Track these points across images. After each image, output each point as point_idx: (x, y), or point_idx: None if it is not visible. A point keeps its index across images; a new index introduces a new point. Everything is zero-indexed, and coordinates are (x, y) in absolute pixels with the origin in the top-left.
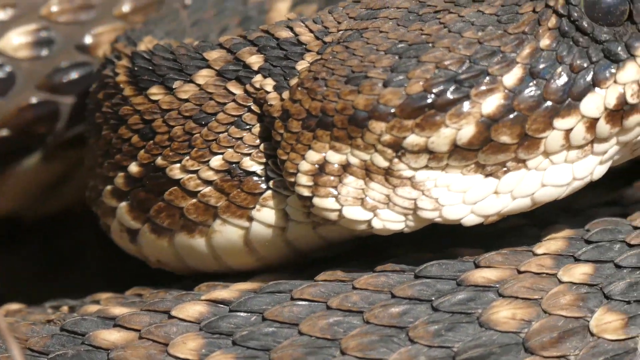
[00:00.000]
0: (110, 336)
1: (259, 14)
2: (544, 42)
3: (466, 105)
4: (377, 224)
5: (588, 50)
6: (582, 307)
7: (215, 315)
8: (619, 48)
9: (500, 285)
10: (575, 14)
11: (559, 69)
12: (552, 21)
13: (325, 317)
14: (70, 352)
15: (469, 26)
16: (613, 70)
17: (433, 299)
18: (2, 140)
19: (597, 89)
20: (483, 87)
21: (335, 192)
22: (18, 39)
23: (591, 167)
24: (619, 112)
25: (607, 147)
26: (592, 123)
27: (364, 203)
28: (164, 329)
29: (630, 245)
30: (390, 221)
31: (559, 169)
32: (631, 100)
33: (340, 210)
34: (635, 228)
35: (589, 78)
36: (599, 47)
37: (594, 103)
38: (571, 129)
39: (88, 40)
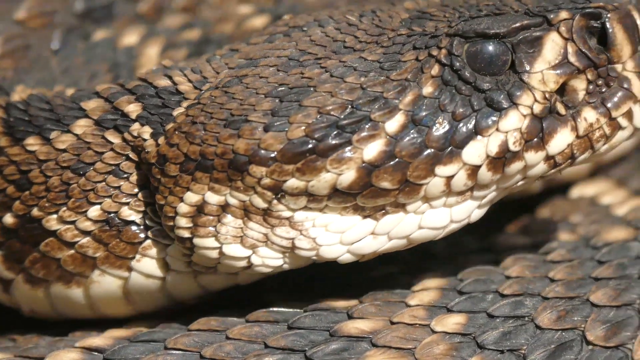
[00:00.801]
0: None
1: (128, 59)
2: (427, 89)
3: (348, 151)
4: (256, 261)
5: (470, 99)
6: (455, 357)
7: None
8: (502, 96)
9: (374, 335)
10: (458, 64)
11: (441, 117)
12: (435, 69)
13: None
14: None
15: (352, 71)
16: (495, 119)
17: (307, 349)
18: None
19: (479, 136)
20: (365, 133)
21: (215, 231)
22: None
23: (469, 210)
24: (500, 160)
25: (486, 192)
26: (473, 170)
27: (243, 241)
28: None
29: (503, 295)
30: (269, 258)
31: (437, 213)
32: (513, 147)
33: (220, 248)
34: (508, 277)
35: (471, 126)
36: (481, 95)
37: (476, 151)
38: (452, 176)
39: None
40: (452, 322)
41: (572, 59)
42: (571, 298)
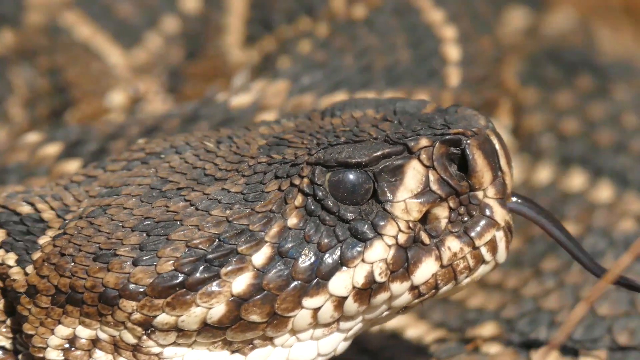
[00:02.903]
0: None
1: None
2: (292, 221)
3: (216, 285)
4: None
5: (335, 229)
6: None
7: None
8: (366, 227)
9: None
10: (320, 193)
11: (307, 248)
12: (299, 200)
13: None
14: None
15: (216, 204)
16: (360, 249)
17: None
18: None
19: (345, 267)
20: (232, 267)
21: None
22: None
23: (336, 343)
24: (367, 291)
25: (352, 324)
26: (340, 302)
27: None
28: None
29: None
30: None
31: (304, 346)
32: (379, 278)
33: None
34: None
35: (336, 257)
36: (345, 225)
37: (342, 282)
38: (319, 308)
39: None
40: None
41: (433, 187)
42: None
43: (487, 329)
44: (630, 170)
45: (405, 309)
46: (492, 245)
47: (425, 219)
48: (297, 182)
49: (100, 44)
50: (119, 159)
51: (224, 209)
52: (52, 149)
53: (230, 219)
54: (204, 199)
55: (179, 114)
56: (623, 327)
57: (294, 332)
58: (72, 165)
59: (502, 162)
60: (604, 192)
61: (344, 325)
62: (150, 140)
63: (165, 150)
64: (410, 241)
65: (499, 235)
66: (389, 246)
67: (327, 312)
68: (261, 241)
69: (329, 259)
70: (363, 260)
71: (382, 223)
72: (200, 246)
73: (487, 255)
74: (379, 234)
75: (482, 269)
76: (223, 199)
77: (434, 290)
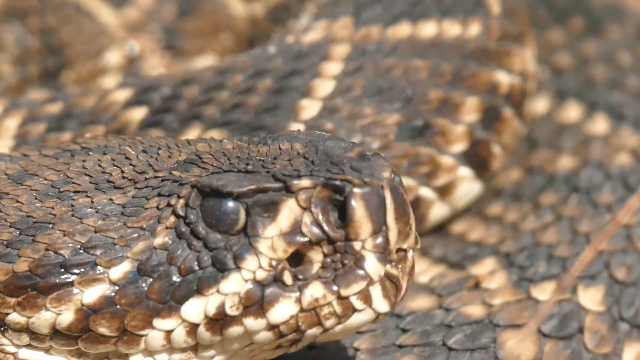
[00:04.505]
0: None
1: None
2: (159, 240)
3: (68, 292)
4: None
5: (199, 255)
6: None
7: None
8: (227, 257)
9: None
10: (192, 217)
11: (167, 270)
12: (171, 220)
13: None
14: None
15: (93, 213)
16: (217, 279)
17: None
18: None
19: (199, 295)
20: (87, 277)
21: None
22: None
23: None
24: (219, 322)
25: (212, 353)
26: (192, 328)
27: None
28: None
29: None
30: None
31: None
32: (230, 311)
33: None
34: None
35: (194, 283)
36: (210, 253)
37: (195, 309)
38: (172, 331)
39: None
40: None
41: (304, 229)
42: None
43: (487, 265)
44: (626, 105)
45: (292, 345)
46: (365, 295)
47: (300, 261)
48: (173, 202)
49: (91, 3)
50: (59, 146)
51: (97, 219)
52: (122, 95)
53: (99, 229)
54: (86, 206)
55: (250, 55)
56: (621, 263)
57: (149, 352)
58: (138, 113)
59: (390, 217)
60: (600, 125)
61: (201, 352)
62: (96, 136)
63: (97, 148)
64: (270, 279)
65: (375, 291)
66: (245, 280)
67: (180, 336)
68: (123, 256)
69: (185, 283)
70: (218, 291)
71: (244, 256)
72: (60, 251)
73: (359, 304)
74: (237, 267)
75: (358, 317)
76: (103, 209)
77: (296, 332)
